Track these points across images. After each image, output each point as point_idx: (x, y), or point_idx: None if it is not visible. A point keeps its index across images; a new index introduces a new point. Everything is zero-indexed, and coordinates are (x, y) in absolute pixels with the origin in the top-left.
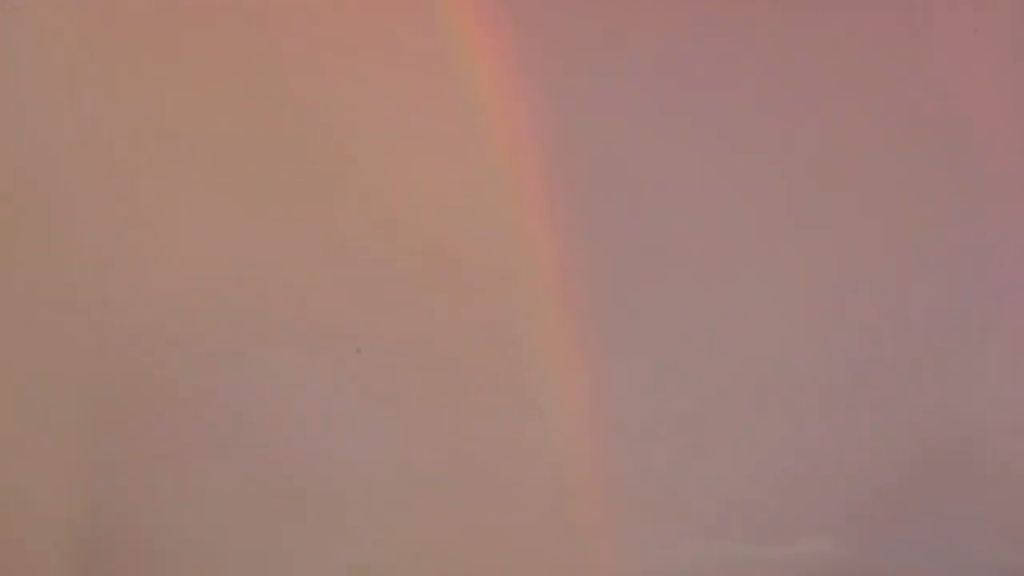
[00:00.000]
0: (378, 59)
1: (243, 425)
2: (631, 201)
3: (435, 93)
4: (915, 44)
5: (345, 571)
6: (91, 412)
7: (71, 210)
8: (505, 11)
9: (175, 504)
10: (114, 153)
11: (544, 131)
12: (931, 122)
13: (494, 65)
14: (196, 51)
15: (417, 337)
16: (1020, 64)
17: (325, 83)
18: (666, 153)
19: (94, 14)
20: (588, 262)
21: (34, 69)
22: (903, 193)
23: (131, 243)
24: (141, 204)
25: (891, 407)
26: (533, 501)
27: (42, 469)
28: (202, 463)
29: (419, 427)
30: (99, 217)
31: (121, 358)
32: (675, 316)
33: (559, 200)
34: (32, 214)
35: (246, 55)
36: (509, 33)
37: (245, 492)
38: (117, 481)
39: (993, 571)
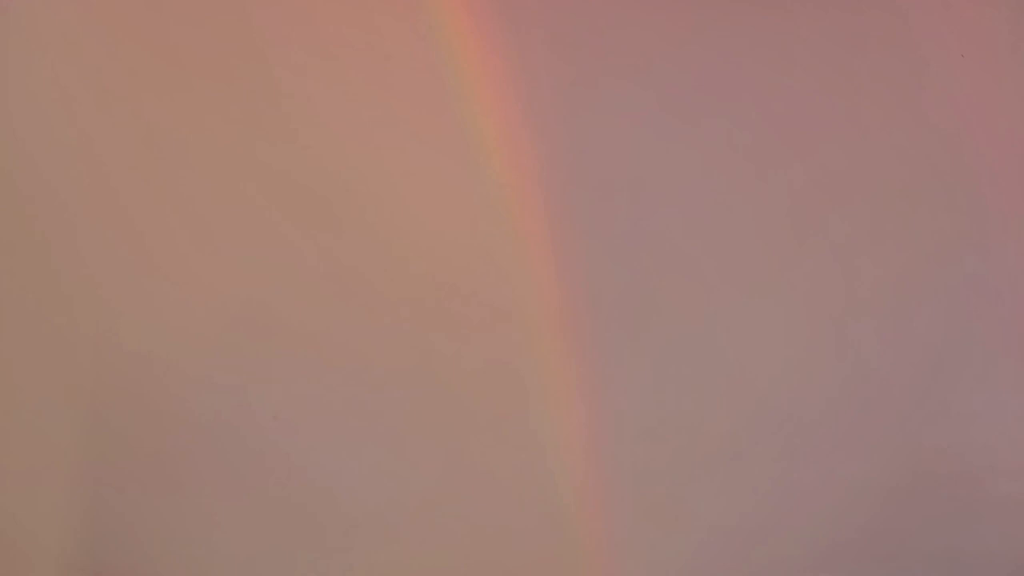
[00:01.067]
0: (380, 89)
1: (247, 453)
2: (635, 235)
3: (438, 125)
4: (926, 65)
5: None
6: (92, 439)
7: (70, 235)
8: (510, 39)
9: (177, 530)
10: (113, 181)
11: (548, 164)
12: (938, 156)
13: (499, 96)
14: (201, 78)
15: (420, 367)
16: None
17: (326, 113)
18: (673, 187)
19: (92, 37)
20: (590, 294)
21: (31, 81)
22: (909, 220)
23: (131, 271)
24: (141, 232)
25: (891, 439)
26: (532, 532)
27: (41, 498)
28: (205, 489)
29: (422, 456)
30: (98, 245)
31: (122, 385)
32: (676, 353)
33: (562, 233)
34: (30, 241)
35: (251, 85)
36: (513, 62)
37: (249, 518)
38: (118, 507)
39: None
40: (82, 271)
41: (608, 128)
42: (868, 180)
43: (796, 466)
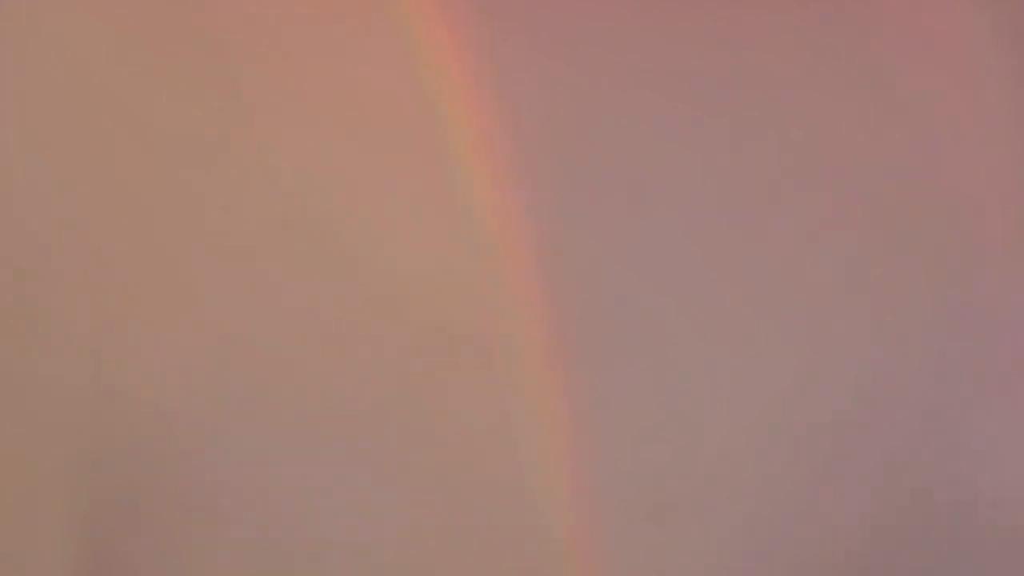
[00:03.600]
0: (359, 122)
1: (239, 500)
2: (626, 266)
3: (421, 160)
4: (932, 85)
5: None
6: (83, 489)
7: (50, 279)
8: (494, 54)
9: (168, 570)
10: (94, 224)
11: (537, 203)
12: (942, 181)
13: (485, 123)
14: (172, 117)
15: (404, 405)
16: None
17: (307, 148)
18: (667, 215)
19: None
20: (579, 328)
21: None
22: (911, 244)
23: (113, 313)
24: (122, 274)
25: (889, 469)
26: (520, 572)
27: (34, 547)
28: (198, 538)
29: (408, 496)
30: (79, 288)
31: (107, 426)
32: (667, 388)
33: (551, 265)
34: (7, 286)
35: (227, 125)
36: (499, 76)
37: (238, 557)
38: (110, 556)
39: None
40: (63, 314)
41: (598, 147)
42: (868, 204)
43: (787, 497)
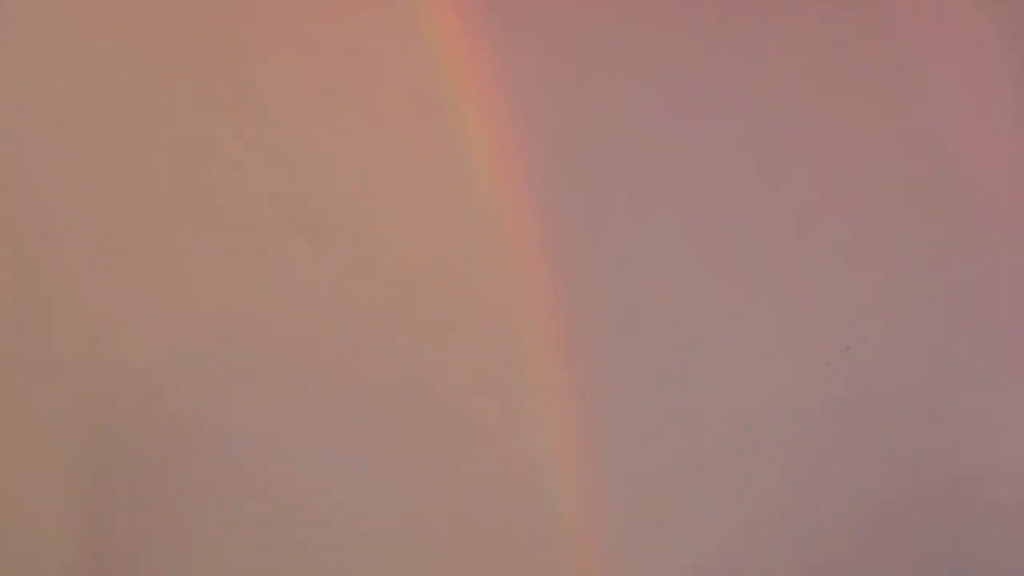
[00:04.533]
0: (366, 96)
1: (234, 465)
2: (627, 242)
3: (426, 131)
4: (925, 71)
5: None
6: (80, 451)
7: (54, 250)
8: (501, 39)
9: (166, 541)
10: (99, 194)
11: (539, 171)
12: (936, 160)
13: (488, 101)
14: (184, 88)
15: (408, 378)
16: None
17: (313, 123)
18: (667, 194)
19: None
20: (580, 304)
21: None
22: (906, 224)
23: (117, 284)
24: (127, 244)
25: (890, 445)
26: (521, 544)
27: (32, 509)
28: (193, 500)
29: (411, 467)
30: (83, 259)
31: (109, 398)
32: (668, 362)
33: (553, 242)
34: (13, 256)
35: (236, 96)
36: (504, 63)
37: (237, 529)
38: (109, 521)
39: None
40: (68, 285)
41: (600, 135)
42: (866, 184)
43: (793, 474)
